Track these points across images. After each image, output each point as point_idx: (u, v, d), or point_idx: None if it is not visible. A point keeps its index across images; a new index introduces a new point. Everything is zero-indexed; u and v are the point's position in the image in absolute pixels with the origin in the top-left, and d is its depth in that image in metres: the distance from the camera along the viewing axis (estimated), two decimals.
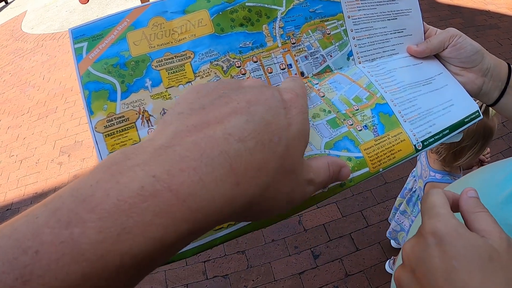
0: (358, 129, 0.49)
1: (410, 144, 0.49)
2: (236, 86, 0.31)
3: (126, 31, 0.45)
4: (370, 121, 0.50)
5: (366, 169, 0.47)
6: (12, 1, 7.64)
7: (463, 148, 1.42)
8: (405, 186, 1.85)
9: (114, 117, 0.43)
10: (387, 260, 2.12)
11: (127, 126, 0.44)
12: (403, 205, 1.82)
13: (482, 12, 4.78)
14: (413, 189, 1.75)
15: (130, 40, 0.45)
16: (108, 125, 0.43)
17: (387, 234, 2.12)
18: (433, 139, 0.51)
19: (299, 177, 0.31)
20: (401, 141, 0.49)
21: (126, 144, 0.43)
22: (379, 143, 0.48)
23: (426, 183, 1.57)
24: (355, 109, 0.50)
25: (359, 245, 2.22)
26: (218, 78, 0.47)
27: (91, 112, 0.43)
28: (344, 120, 0.49)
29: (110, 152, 0.43)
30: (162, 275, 2.19)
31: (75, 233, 0.20)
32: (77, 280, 0.19)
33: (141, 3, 3.33)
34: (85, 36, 0.44)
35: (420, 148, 0.50)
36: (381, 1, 0.57)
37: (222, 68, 0.47)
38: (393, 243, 2.17)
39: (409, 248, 0.37)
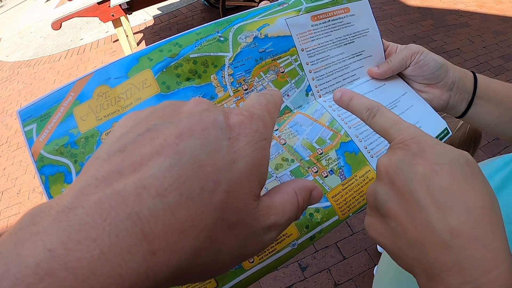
0: (324, 176, 0.47)
1: None
2: (171, 113, 0.26)
3: (72, 107, 0.42)
4: (336, 164, 0.48)
5: (336, 218, 0.45)
6: None
7: None
8: None
9: None
10: (374, 266, 2.11)
11: None
12: None
13: (452, 11, 4.86)
14: None
15: (77, 115, 0.43)
16: None
17: (378, 248, 2.13)
18: None
19: (252, 227, 0.25)
20: (370, 180, 0.48)
21: None
22: (346, 187, 0.46)
23: None
24: (319, 153, 0.48)
25: (346, 254, 2.21)
26: None
27: (50, 197, 0.41)
28: (309, 168, 0.47)
29: None
30: None
31: None
32: None
33: (115, 27, 3.30)
34: (33, 117, 0.42)
35: None
36: (335, 27, 0.55)
37: None
38: (379, 248, 2.17)
39: (385, 161, 0.34)
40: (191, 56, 0.46)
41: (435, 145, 0.32)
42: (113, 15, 3.69)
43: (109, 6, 3.60)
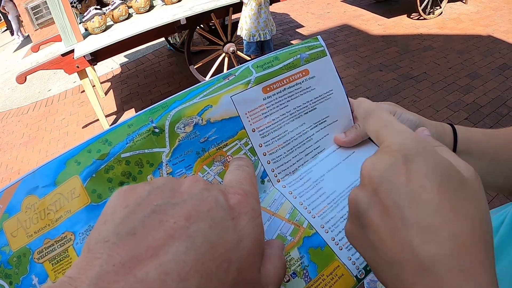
0: (286, 281, 0.40)
1: (350, 277, 0.41)
2: (171, 192, 0.26)
3: (2, 221, 0.38)
4: (299, 265, 0.41)
5: None
6: None
7: None
8: None
9: None
10: None
11: None
12: None
13: (415, 36, 5.00)
14: None
15: (7, 231, 0.38)
16: None
17: (366, 285, 2.06)
18: None
19: None
20: (339, 277, 0.41)
21: None
22: None
23: None
24: None
25: None
26: None
27: None
28: None
29: None
30: None
31: None
32: None
33: (80, 79, 3.25)
34: None
35: (362, 276, 0.42)
36: (293, 95, 0.48)
37: None
38: (366, 285, 2.11)
39: (370, 166, 0.31)
40: (122, 156, 0.40)
41: (428, 156, 0.29)
42: (78, 67, 3.66)
43: (74, 58, 3.56)
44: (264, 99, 0.46)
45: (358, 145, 0.51)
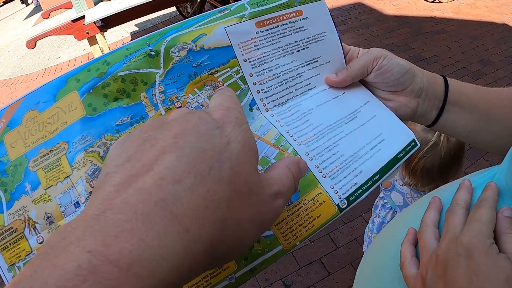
0: None
1: (331, 205, 0.43)
2: (159, 124, 0.28)
3: (3, 134, 0.41)
4: None
5: (279, 247, 0.41)
6: None
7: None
8: (379, 220, 1.69)
9: (4, 230, 0.40)
10: None
11: (17, 238, 0.40)
12: None
13: (428, 19, 4.93)
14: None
15: (7, 143, 0.41)
16: (1, 238, 0.39)
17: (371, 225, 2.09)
18: (360, 190, 0.45)
19: (260, 195, 0.28)
20: (320, 204, 0.43)
21: (21, 256, 0.39)
22: (292, 213, 0.42)
23: None
24: None
25: (331, 269, 2.17)
26: (95, 167, 0.41)
27: None
28: None
29: (9, 266, 0.39)
30: None
31: None
32: None
33: (90, 45, 3.25)
34: None
35: (344, 206, 0.43)
36: (285, 32, 0.50)
37: (99, 154, 0.41)
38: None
39: (444, 251, 0.40)
40: (119, 74, 0.42)
41: (484, 256, 0.37)
42: (88, 33, 3.65)
43: (84, 24, 3.55)
44: (257, 33, 0.49)
45: (349, 87, 0.52)
